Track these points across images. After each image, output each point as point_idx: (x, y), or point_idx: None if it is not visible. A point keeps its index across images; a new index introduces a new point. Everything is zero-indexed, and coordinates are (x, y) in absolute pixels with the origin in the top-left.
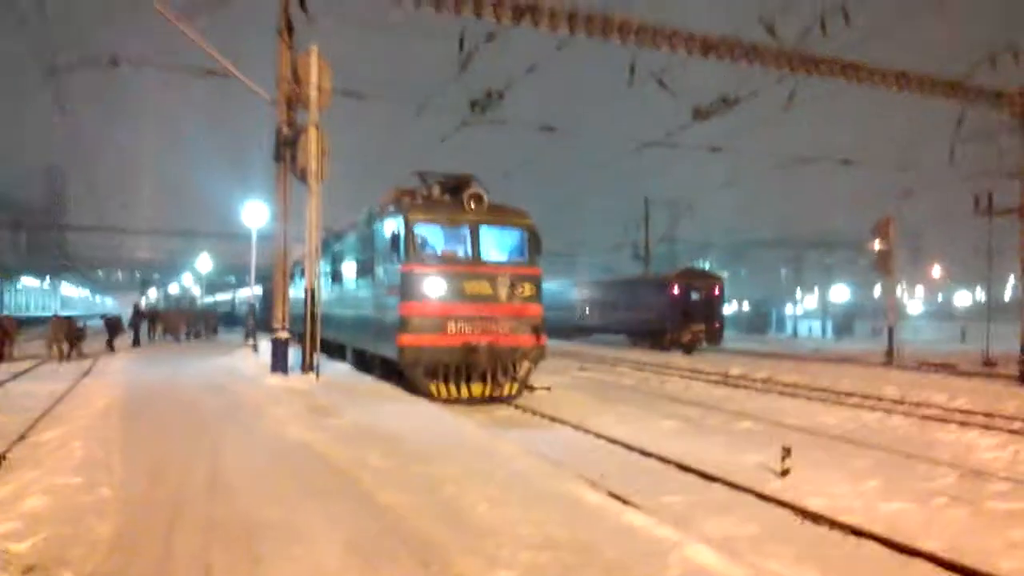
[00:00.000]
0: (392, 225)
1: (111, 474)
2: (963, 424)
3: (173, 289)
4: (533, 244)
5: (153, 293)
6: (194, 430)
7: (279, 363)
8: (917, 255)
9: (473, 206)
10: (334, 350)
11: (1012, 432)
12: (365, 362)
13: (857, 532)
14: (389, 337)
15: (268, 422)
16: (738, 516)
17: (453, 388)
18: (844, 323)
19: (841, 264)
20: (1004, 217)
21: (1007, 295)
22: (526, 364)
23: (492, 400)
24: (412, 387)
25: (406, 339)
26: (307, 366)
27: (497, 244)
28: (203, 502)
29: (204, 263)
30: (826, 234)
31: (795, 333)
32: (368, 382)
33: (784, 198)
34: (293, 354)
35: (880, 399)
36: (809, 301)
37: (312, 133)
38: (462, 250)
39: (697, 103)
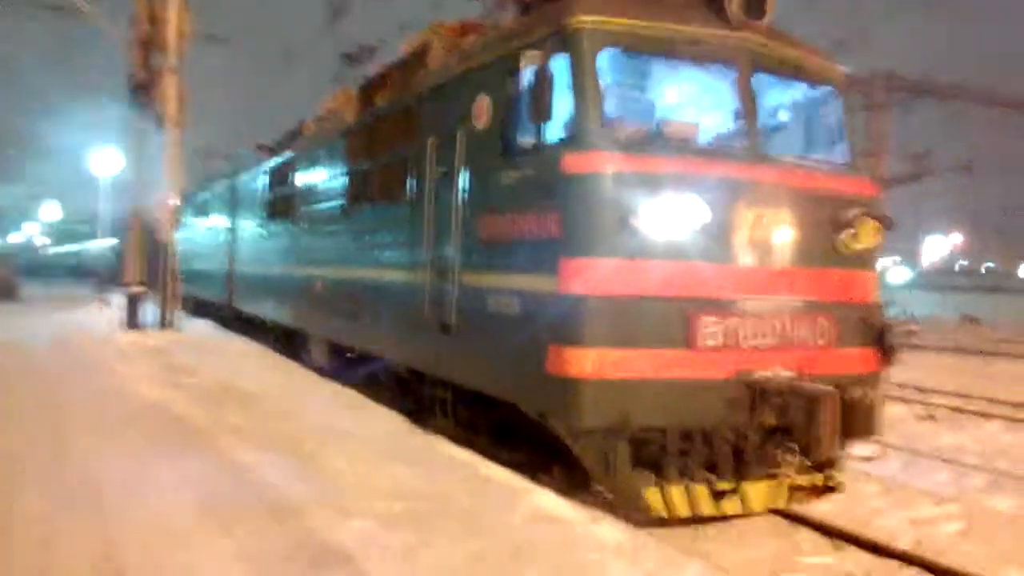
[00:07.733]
0: (530, 56)
1: None
2: None
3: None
4: (849, 124)
5: None
6: (38, 390)
7: (133, 320)
8: None
9: (738, 9)
10: (271, 336)
11: None
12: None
13: None
14: (509, 351)
15: (120, 381)
16: None
17: (702, 493)
18: None
19: None
20: None
21: None
22: (867, 411)
23: (779, 514)
24: (581, 479)
25: (588, 360)
26: (165, 323)
27: (784, 114)
28: (47, 466)
29: (52, 211)
30: None
31: None
32: (236, 341)
33: None
34: (153, 311)
35: None
36: None
37: (171, 79)
38: (714, 125)
39: None
